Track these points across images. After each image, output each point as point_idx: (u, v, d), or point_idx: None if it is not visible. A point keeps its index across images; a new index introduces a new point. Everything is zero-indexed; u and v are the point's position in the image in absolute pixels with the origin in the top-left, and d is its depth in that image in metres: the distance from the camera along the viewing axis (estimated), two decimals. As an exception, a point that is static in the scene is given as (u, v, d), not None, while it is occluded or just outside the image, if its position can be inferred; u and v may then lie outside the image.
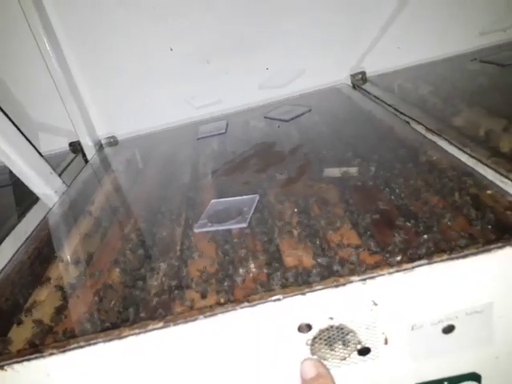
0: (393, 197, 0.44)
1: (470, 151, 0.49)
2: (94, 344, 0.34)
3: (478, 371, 0.37)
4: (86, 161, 0.89)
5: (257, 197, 0.51)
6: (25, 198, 0.68)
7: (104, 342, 0.34)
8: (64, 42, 0.86)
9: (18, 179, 0.65)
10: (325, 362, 0.35)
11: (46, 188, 0.67)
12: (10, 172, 0.66)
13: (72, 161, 0.86)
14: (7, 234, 0.59)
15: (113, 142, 0.92)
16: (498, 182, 0.42)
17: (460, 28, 0.91)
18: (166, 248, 0.46)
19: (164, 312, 0.36)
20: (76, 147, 0.91)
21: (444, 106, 0.68)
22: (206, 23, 0.86)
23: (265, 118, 0.83)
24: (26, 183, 0.65)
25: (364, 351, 0.35)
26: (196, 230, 0.47)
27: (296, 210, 0.47)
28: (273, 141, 0.70)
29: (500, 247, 0.33)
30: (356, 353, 0.35)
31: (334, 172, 0.53)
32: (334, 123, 0.73)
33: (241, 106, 0.92)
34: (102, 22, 0.84)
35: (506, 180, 0.42)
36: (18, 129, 0.65)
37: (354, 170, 0.52)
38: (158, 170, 0.73)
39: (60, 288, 0.45)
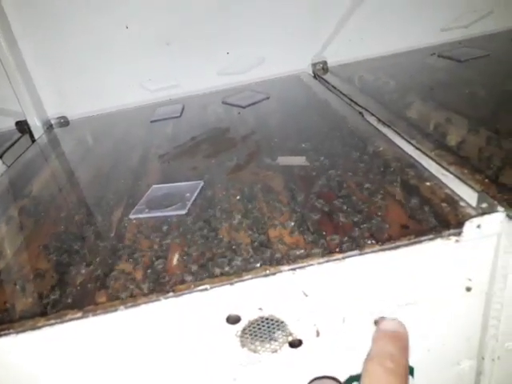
0: (335, 186, 0.44)
1: (416, 143, 0.49)
2: (7, 335, 0.31)
3: (411, 364, 0.37)
4: (34, 141, 0.84)
5: (201, 183, 0.49)
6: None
7: (17, 332, 0.31)
8: (12, 16, 0.80)
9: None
10: (256, 355, 0.35)
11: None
12: None
13: (17, 141, 0.81)
14: None
15: (63, 122, 0.88)
16: (438, 175, 0.42)
17: (422, 22, 0.92)
18: (98, 234, 0.43)
19: (86, 301, 0.34)
20: (23, 127, 0.86)
21: (399, 99, 0.68)
22: (166, 3, 0.82)
23: (223, 103, 0.81)
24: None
25: (295, 343, 0.34)
26: (132, 216, 0.45)
27: (239, 197, 0.45)
28: (227, 126, 0.68)
29: (431, 239, 0.33)
30: (287, 345, 0.34)
31: (282, 160, 0.52)
32: (290, 111, 0.72)
33: (200, 91, 0.89)
34: (55, 3, 0.79)
35: (446, 173, 0.42)
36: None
37: (302, 159, 0.51)
38: (106, 152, 0.69)
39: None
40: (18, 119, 0.86)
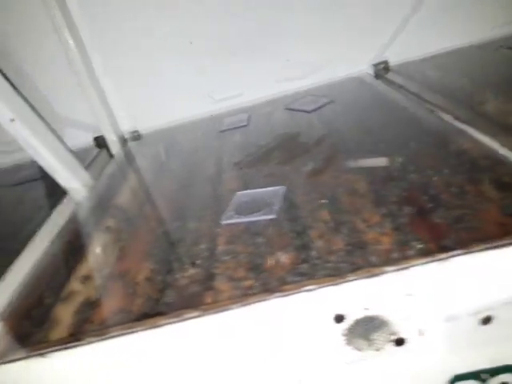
0: (424, 187, 0.44)
1: (501, 139, 0.48)
2: (131, 333, 0.34)
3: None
4: (111, 155, 0.91)
5: (283, 188, 0.51)
6: (53, 192, 0.69)
7: (140, 331, 0.34)
8: (87, 39, 0.86)
9: (47, 174, 0.67)
10: (360, 353, 0.35)
11: (75, 182, 0.68)
12: (39, 166, 0.67)
13: (97, 155, 0.87)
14: (39, 227, 0.60)
15: (137, 136, 0.93)
16: (532, 171, 0.41)
17: (485, 16, 0.89)
18: (194, 240, 0.46)
19: (198, 302, 0.36)
20: (101, 142, 0.93)
21: (470, 94, 0.66)
22: (226, 16, 0.85)
23: (286, 109, 0.82)
24: (55, 177, 0.66)
25: (399, 342, 0.35)
26: (223, 222, 0.47)
27: (324, 200, 0.47)
28: (296, 132, 0.69)
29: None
30: (391, 344, 0.35)
31: (361, 163, 0.53)
32: (358, 113, 0.72)
33: (262, 98, 0.92)
34: (124, 19, 0.84)
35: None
36: (47, 123, 0.66)
37: (382, 161, 0.51)
38: (181, 163, 0.73)
39: (93, 279, 0.46)
40: (95, 135, 0.93)
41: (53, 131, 0.64)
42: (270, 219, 0.45)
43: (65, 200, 0.68)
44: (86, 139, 0.94)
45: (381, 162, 0.51)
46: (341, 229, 0.41)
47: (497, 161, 0.45)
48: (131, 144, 0.92)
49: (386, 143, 0.57)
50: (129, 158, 0.84)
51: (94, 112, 0.89)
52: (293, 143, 0.65)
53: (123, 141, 0.93)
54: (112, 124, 0.91)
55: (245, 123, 0.81)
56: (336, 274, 0.34)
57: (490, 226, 0.36)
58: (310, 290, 0.33)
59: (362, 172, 0.51)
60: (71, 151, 0.68)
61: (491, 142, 0.49)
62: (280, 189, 0.51)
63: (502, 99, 0.61)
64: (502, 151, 0.46)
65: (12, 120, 0.55)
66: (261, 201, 0.49)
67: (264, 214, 0.46)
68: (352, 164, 0.54)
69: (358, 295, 0.33)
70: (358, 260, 0.36)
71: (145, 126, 0.94)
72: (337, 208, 0.45)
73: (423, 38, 0.89)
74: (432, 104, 0.65)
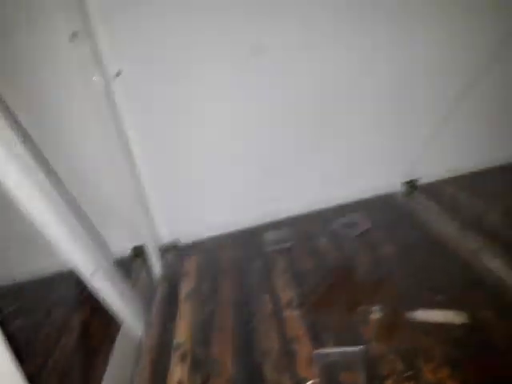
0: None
1: None
2: None
3: None
4: (150, 266, 0.92)
5: (361, 349, 0.53)
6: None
7: None
8: (137, 153, 0.89)
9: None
10: None
11: (135, 320, 0.69)
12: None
13: (140, 270, 0.88)
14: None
15: (176, 245, 0.95)
16: None
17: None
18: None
19: None
20: (139, 251, 0.94)
21: (506, 231, 0.72)
22: (265, 139, 0.91)
23: (330, 229, 0.86)
24: (125, 323, 0.67)
25: None
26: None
27: (402, 369, 0.49)
28: (349, 265, 0.73)
29: None
30: None
31: (432, 316, 0.56)
32: (401, 243, 0.76)
33: (300, 209, 0.96)
34: (173, 135, 0.88)
35: None
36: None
37: (460, 317, 0.55)
38: (231, 292, 0.75)
39: None
40: (134, 243, 0.94)
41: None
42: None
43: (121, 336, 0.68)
44: (125, 246, 0.96)
45: (451, 317, 0.54)
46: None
47: None
48: (171, 256, 0.93)
49: (442, 290, 0.61)
50: (174, 279, 0.84)
51: (137, 221, 0.91)
52: (351, 282, 0.69)
53: (163, 250, 0.94)
54: (152, 233, 0.93)
55: (288, 244, 0.84)
56: None
57: None
58: None
59: (432, 330, 0.54)
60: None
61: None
62: (359, 350, 0.53)
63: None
64: None
65: (93, 273, 0.57)
66: (343, 365, 0.52)
67: (353, 386, 0.48)
68: (420, 315, 0.57)
69: None
70: None
71: (184, 235, 0.96)
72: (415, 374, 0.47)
73: (451, 157, 0.96)
74: (473, 241, 0.70)
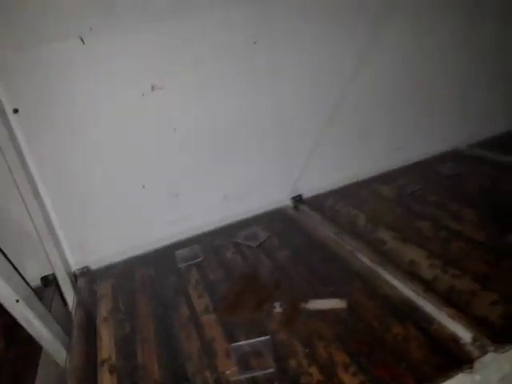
0: (369, 334, 0.63)
1: (410, 285, 0.71)
2: None
3: None
4: (61, 294, 0.93)
5: (269, 338, 0.65)
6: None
7: None
8: (38, 179, 0.90)
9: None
10: None
11: (54, 340, 0.71)
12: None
13: (52, 299, 0.89)
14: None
15: (86, 271, 0.97)
16: (436, 315, 0.64)
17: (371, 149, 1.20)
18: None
19: None
20: (48, 280, 0.94)
21: (373, 232, 0.92)
22: (174, 162, 1.00)
23: (235, 242, 0.98)
24: (36, 337, 0.69)
25: None
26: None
27: (307, 350, 0.62)
28: (253, 270, 0.85)
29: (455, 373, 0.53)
30: None
31: (321, 304, 0.71)
32: (294, 249, 0.91)
33: (207, 227, 1.06)
34: (79, 163, 0.91)
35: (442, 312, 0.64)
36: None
37: (342, 303, 0.70)
38: (150, 305, 0.82)
39: None
40: (43, 273, 0.94)
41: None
42: (271, 372, 0.59)
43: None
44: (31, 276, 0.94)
45: (335, 303, 0.70)
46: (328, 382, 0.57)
47: (412, 307, 0.67)
48: (81, 281, 0.95)
49: (326, 283, 0.76)
50: (89, 305, 0.86)
51: (46, 250, 0.91)
52: (255, 285, 0.81)
53: (74, 277, 0.95)
54: (62, 261, 0.94)
55: (200, 258, 0.93)
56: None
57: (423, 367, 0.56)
58: None
59: (322, 316, 0.69)
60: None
61: (403, 287, 0.72)
62: (266, 339, 0.65)
63: (395, 239, 0.87)
64: (413, 296, 0.69)
65: (17, 301, 0.59)
66: (255, 352, 0.63)
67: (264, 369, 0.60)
68: (313, 305, 0.71)
69: None
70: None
71: (94, 260, 0.99)
72: (323, 359, 0.61)
73: (330, 172, 1.16)
74: (348, 244, 0.88)
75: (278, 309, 0.73)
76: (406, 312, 0.66)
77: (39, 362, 0.70)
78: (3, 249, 0.91)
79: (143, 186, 0.98)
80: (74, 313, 0.82)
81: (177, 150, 0.99)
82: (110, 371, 0.66)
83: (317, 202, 1.11)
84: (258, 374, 0.59)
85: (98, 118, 0.90)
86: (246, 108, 1.02)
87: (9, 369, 0.69)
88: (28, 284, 0.67)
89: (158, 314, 0.79)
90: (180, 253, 0.97)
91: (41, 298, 0.89)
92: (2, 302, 0.58)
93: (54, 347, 0.71)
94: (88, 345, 0.73)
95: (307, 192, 1.15)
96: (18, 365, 0.71)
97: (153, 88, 0.92)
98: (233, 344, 0.66)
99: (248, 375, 0.59)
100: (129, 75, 0.89)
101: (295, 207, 1.12)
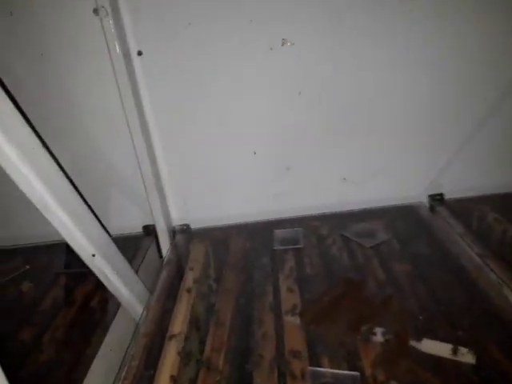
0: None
1: None
2: None
3: None
4: (158, 245, 0.91)
5: (358, 376, 0.51)
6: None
7: None
8: (153, 128, 0.87)
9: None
10: None
11: (132, 297, 0.68)
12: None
13: (148, 250, 0.88)
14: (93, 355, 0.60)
15: (186, 229, 0.94)
16: None
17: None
18: None
19: None
20: (149, 230, 0.93)
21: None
22: (286, 133, 0.87)
23: (342, 234, 0.83)
24: (114, 293, 0.67)
25: None
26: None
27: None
28: (359, 279, 0.70)
29: None
30: None
31: (439, 349, 0.53)
32: (416, 261, 0.72)
33: (315, 209, 0.92)
34: (194, 120, 0.86)
35: None
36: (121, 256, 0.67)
37: (468, 356, 0.51)
38: (235, 279, 0.74)
39: None
40: (145, 223, 0.94)
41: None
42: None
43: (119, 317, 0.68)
44: (135, 224, 0.95)
45: (460, 353, 0.51)
46: None
47: None
48: (180, 238, 0.92)
49: (454, 322, 0.57)
50: (180, 263, 0.83)
51: (149, 200, 0.89)
52: (357, 297, 0.65)
53: (173, 232, 0.93)
54: (164, 214, 0.91)
55: (299, 245, 0.81)
56: None
57: None
58: None
59: (439, 367, 0.51)
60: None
61: None
62: (355, 376, 0.51)
63: None
64: None
65: (93, 255, 0.56)
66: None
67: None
68: (425, 347, 0.54)
69: None
70: None
71: (195, 220, 0.95)
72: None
73: (484, 174, 0.90)
74: (497, 275, 0.65)
75: (379, 337, 0.57)
76: None
77: (116, 315, 0.68)
78: (109, 194, 0.93)
79: (254, 153, 0.89)
80: (161, 273, 0.79)
81: (297, 116, 0.85)
82: (178, 352, 0.60)
83: (462, 208, 0.87)
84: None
85: (224, 71, 0.81)
86: (388, 82, 0.82)
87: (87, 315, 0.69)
88: (111, 236, 0.63)
89: (241, 297, 0.70)
90: (279, 233, 0.86)
91: (139, 247, 0.90)
92: (80, 255, 0.55)
93: (130, 304, 0.68)
94: (164, 311, 0.69)
95: (451, 193, 0.91)
96: (98, 312, 0.71)
97: (283, 43, 0.79)
98: (312, 367, 0.53)
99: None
100: (259, 25, 0.77)
101: (431, 208, 0.90)
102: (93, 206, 0.69)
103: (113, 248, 0.62)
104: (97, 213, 0.68)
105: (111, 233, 0.88)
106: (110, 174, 0.91)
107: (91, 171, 0.91)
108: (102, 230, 0.61)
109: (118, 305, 0.70)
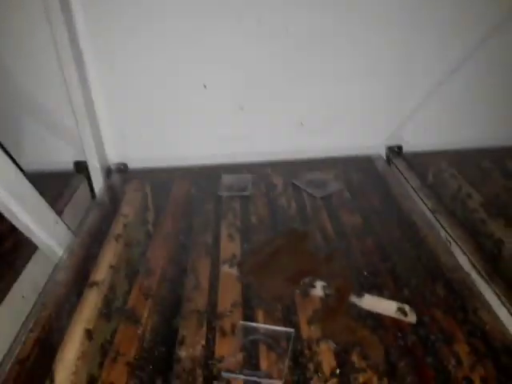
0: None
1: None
2: None
3: None
4: (91, 185, 0.82)
5: (292, 332, 0.46)
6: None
7: None
8: (88, 55, 0.75)
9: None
10: None
11: (50, 239, 0.60)
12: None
13: (77, 188, 0.78)
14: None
15: (123, 168, 0.84)
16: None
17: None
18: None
19: None
20: (81, 167, 0.83)
21: (486, 226, 0.64)
22: (241, 66, 0.78)
23: (293, 183, 0.77)
24: (27, 234, 0.58)
25: None
26: (224, 375, 0.42)
27: (338, 371, 0.43)
28: (303, 229, 0.65)
29: None
30: None
31: (380, 306, 0.50)
32: (367, 214, 0.68)
33: (266, 155, 0.85)
34: (134, 44, 0.74)
35: None
36: (22, 170, 0.58)
37: (411, 315, 0.48)
38: (173, 225, 0.67)
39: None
40: (77, 158, 0.83)
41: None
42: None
43: (33, 261, 0.60)
44: (66, 159, 0.84)
45: (402, 312, 0.48)
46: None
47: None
48: (115, 177, 0.83)
49: (399, 279, 0.54)
50: (113, 204, 0.75)
51: (81, 134, 0.79)
52: (300, 250, 0.61)
53: (107, 171, 0.84)
54: (98, 150, 0.81)
55: (247, 193, 0.74)
56: None
57: None
58: None
59: (379, 326, 0.47)
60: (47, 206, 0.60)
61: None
62: (290, 332, 0.46)
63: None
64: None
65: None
66: (268, 343, 0.45)
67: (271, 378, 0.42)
68: (366, 303, 0.50)
69: None
70: None
71: (134, 159, 0.85)
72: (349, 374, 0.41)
73: (444, 129, 0.87)
74: (448, 232, 0.63)
75: (318, 291, 0.53)
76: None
77: (30, 259, 0.60)
78: (37, 127, 0.81)
79: (205, 87, 0.79)
80: (89, 215, 0.70)
81: (257, 48, 0.76)
82: (97, 302, 0.53)
83: (419, 162, 0.83)
84: (262, 381, 0.41)
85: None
86: (355, 27, 0.75)
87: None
88: (24, 174, 0.54)
89: (177, 245, 0.63)
90: (227, 178, 0.79)
91: (68, 184, 0.81)
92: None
93: (49, 247, 0.60)
94: (88, 256, 0.61)
95: (410, 146, 0.87)
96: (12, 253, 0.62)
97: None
98: (244, 322, 0.48)
99: (249, 378, 0.42)
100: None
101: (388, 160, 0.86)
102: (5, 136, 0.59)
103: (24, 183, 0.53)
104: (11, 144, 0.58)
105: (36, 167, 0.79)
106: (28, 99, 0.79)
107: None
108: (10, 163, 0.52)
109: (36, 248, 0.62)
